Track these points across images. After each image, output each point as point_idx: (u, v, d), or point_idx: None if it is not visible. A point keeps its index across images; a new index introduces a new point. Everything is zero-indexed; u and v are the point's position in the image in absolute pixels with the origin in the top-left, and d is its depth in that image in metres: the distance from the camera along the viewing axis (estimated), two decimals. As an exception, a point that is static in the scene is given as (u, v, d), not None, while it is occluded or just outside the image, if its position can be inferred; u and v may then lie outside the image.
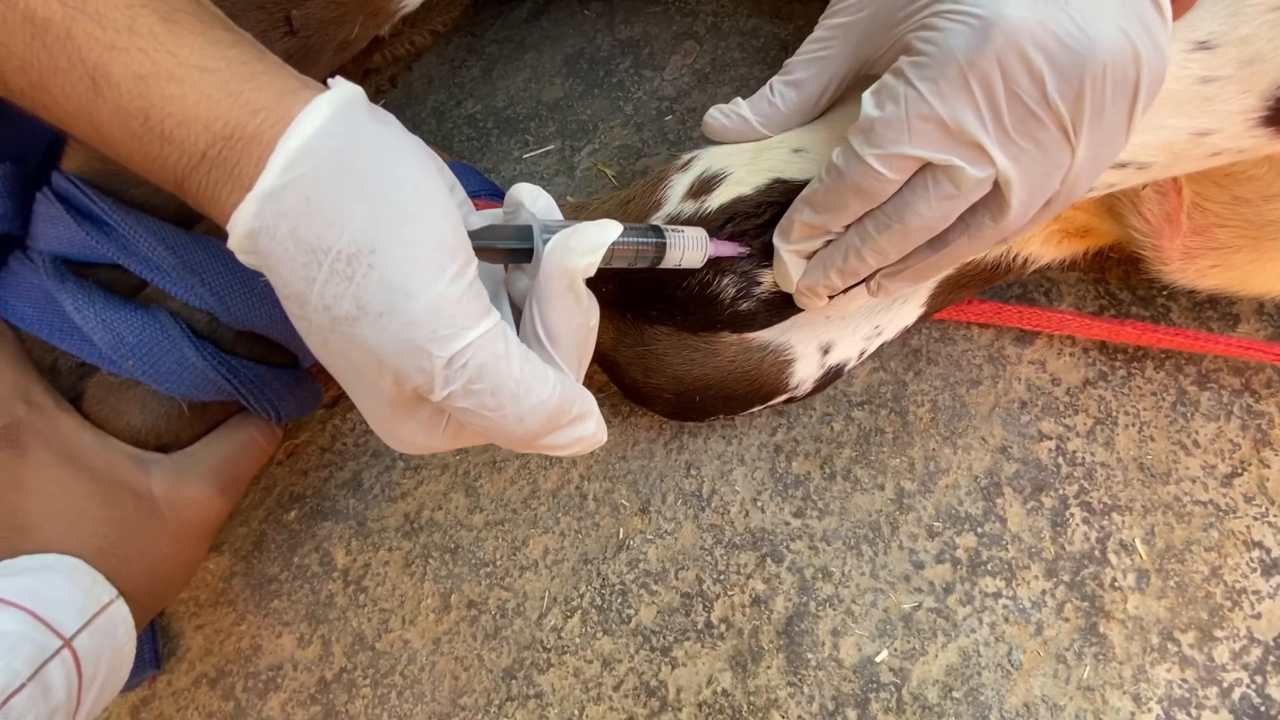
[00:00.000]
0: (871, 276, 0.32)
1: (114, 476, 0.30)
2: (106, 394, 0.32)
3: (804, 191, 0.30)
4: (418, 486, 0.44)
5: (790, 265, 0.31)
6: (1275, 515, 0.41)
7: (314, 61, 0.37)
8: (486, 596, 0.42)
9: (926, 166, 0.27)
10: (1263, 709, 0.38)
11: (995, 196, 0.27)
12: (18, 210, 0.31)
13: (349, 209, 0.22)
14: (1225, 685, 0.38)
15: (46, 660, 0.26)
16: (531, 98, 0.53)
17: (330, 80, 0.25)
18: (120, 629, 0.29)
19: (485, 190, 0.44)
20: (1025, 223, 0.28)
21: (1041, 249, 0.42)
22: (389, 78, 0.54)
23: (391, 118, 0.26)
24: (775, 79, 0.33)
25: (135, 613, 0.30)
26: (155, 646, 0.41)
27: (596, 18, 0.54)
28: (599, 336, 0.39)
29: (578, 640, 0.40)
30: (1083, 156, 0.26)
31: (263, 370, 0.33)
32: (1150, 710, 0.38)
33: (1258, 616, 0.39)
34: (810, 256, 0.32)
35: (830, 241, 0.31)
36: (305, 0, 0.35)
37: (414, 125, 0.52)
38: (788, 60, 0.33)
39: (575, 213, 0.37)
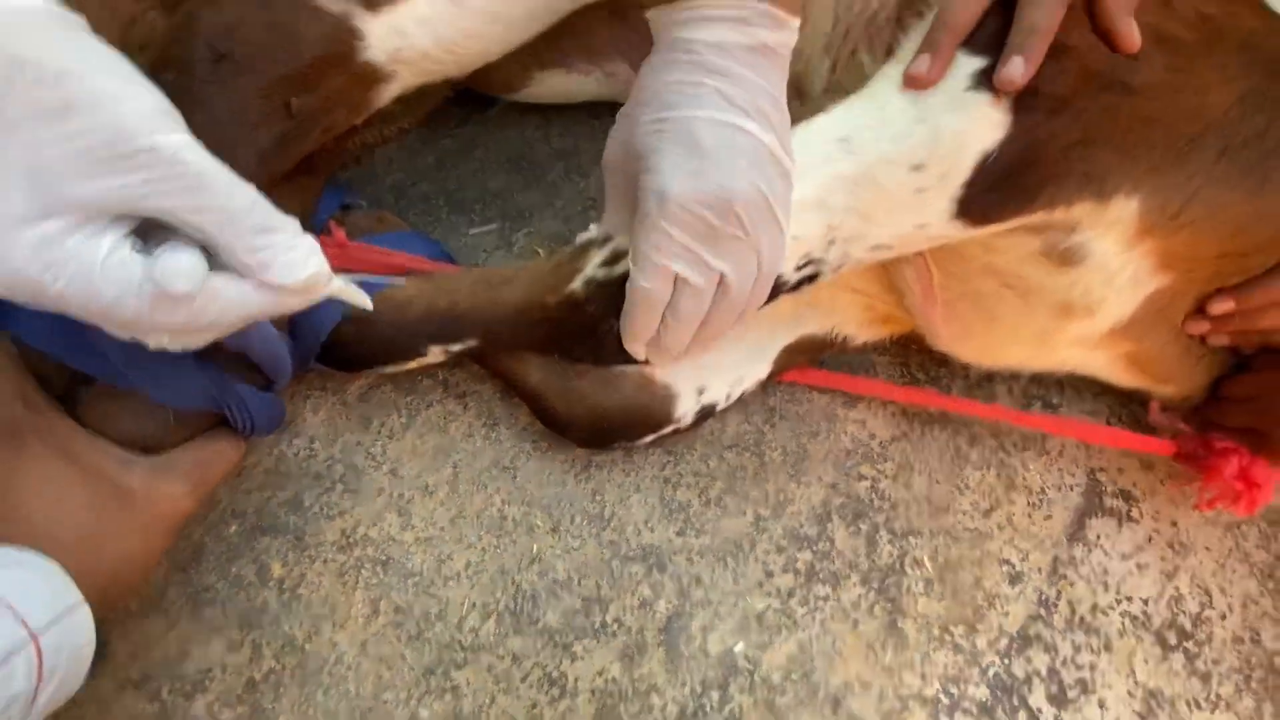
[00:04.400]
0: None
1: (101, 471, 0.31)
2: (103, 402, 0.33)
3: (625, 305, 0.37)
4: (355, 506, 0.47)
5: (639, 354, 0.39)
6: (1019, 540, 0.52)
7: (303, 139, 0.42)
8: (412, 603, 0.45)
9: (679, 279, 0.35)
10: (1009, 683, 0.48)
11: (725, 284, 0.36)
12: None
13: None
14: (984, 665, 0.48)
15: (14, 651, 0.27)
16: (478, 185, 0.59)
17: None
18: (83, 632, 0.29)
19: (437, 254, 0.49)
20: (750, 295, 0.36)
21: (857, 330, 0.52)
22: (356, 157, 0.59)
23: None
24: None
25: (95, 611, 0.31)
26: None
27: (536, 128, 0.63)
28: (527, 372, 0.45)
29: (492, 639, 0.44)
30: (764, 250, 0.35)
31: (248, 389, 0.36)
32: (932, 685, 0.46)
33: (1006, 614, 0.50)
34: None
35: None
36: (302, 91, 0.40)
37: (375, 198, 0.57)
38: None
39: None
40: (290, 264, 0.27)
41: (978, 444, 0.55)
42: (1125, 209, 0.40)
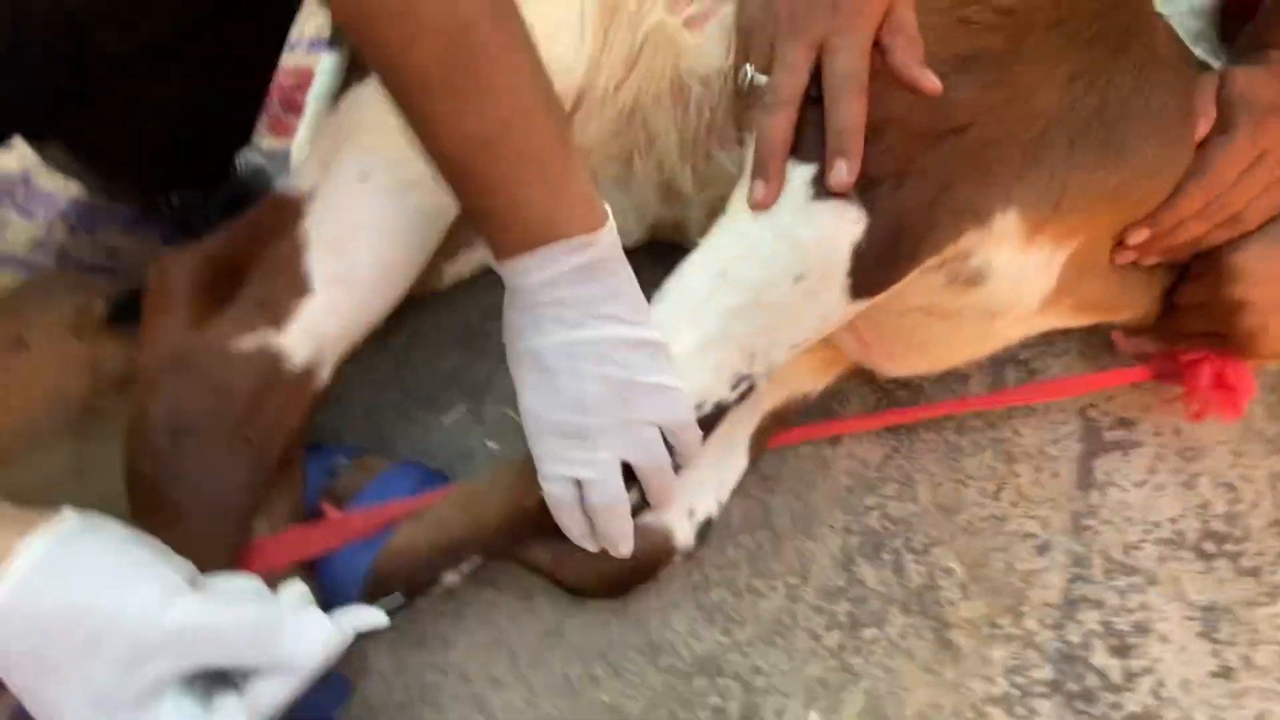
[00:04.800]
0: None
1: None
2: None
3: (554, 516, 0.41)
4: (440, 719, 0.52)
5: (585, 542, 0.42)
6: (1034, 509, 0.54)
7: (271, 453, 0.44)
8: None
9: (580, 479, 0.39)
10: (1068, 652, 0.50)
11: (633, 464, 0.39)
12: None
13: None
14: (1040, 644, 0.50)
15: None
16: (434, 372, 0.63)
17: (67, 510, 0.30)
18: None
19: (422, 479, 0.53)
20: (664, 460, 0.39)
21: (813, 383, 0.55)
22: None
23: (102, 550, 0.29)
24: None
25: None
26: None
27: (465, 295, 0.65)
28: (535, 556, 0.49)
29: (600, 791, 0.49)
30: (654, 414, 0.38)
31: (313, 698, 0.41)
32: (998, 683, 0.49)
33: (1045, 587, 0.52)
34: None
35: None
36: (254, 421, 0.44)
37: (349, 429, 0.61)
38: None
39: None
40: (309, 652, 0.31)
41: (967, 431, 0.57)
42: (1007, 222, 0.41)
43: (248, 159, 0.69)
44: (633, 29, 0.50)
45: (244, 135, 0.63)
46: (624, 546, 0.41)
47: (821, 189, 0.38)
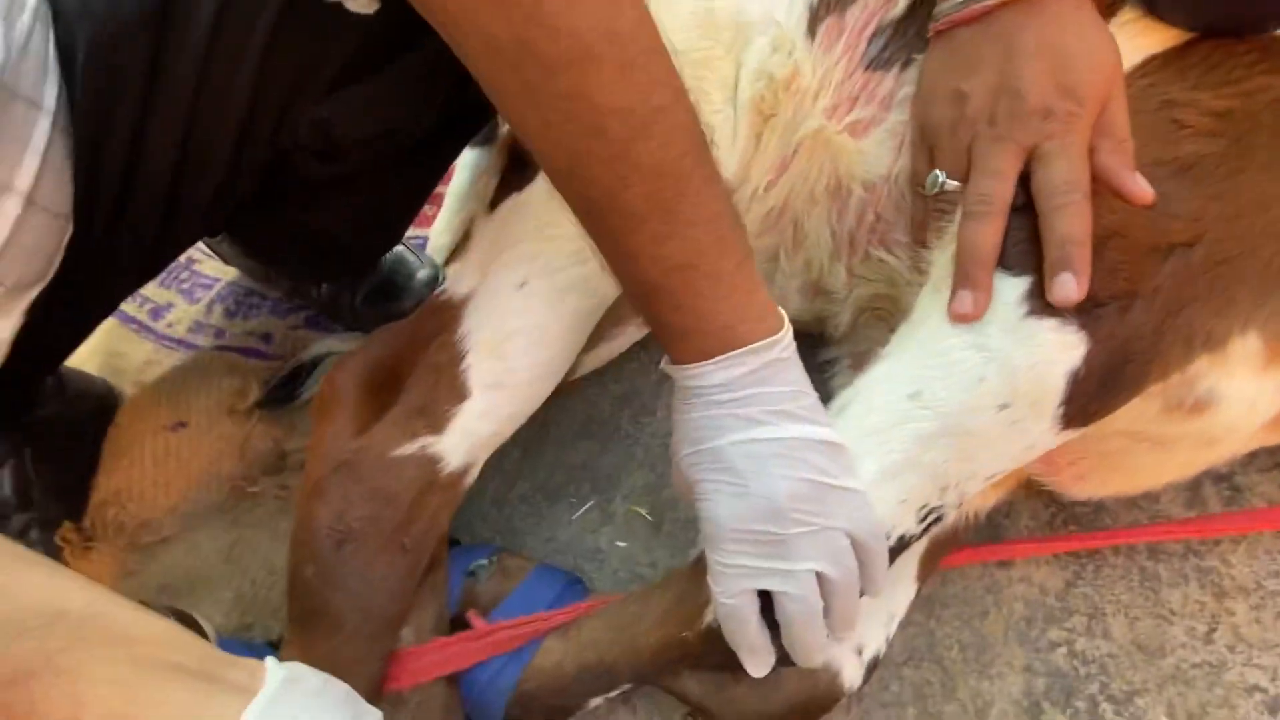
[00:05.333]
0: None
1: None
2: None
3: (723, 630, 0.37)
4: None
5: (756, 668, 0.38)
6: (1258, 656, 0.47)
7: (421, 557, 0.44)
8: None
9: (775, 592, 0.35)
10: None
11: (824, 577, 0.35)
12: None
13: None
14: (1287, 833, 0.42)
15: None
16: (563, 464, 0.62)
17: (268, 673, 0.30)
18: None
19: (565, 587, 0.51)
20: (865, 568, 0.36)
21: (983, 502, 0.50)
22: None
23: (316, 699, 0.31)
24: None
25: None
26: None
27: (593, 385, 0.65)
28: (686, 688, 0.45)
29: None
30: (845, 523, 0.35)
31: None
32: None
33: (1284, 757, 0.44)
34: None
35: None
36: (410, 528, 0.44)
37: (480, 518, 0.61)
38: None
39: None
40: None
41: (1162, 555, 0.50)
42: (1246, 346, 0.37)
43: (392, 251, 0.72)
44: (787, 133, 0.49)
45: (398, 238, 0.66)
46: (819, 658, 0.37)
47: (1037, 305, 0.35)
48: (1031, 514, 0.53)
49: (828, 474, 0.35)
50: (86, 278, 0.44)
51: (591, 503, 0.59)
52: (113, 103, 0.39)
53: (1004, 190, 0.36)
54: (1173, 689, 0.46)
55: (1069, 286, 0.34)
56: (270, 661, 0.32)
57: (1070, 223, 0.35)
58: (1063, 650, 0.48)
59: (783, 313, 0.38)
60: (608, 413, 0.63)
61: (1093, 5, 0.39)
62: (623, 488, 0.60)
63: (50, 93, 0.38)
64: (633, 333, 0.61)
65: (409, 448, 0.43)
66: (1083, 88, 0.37)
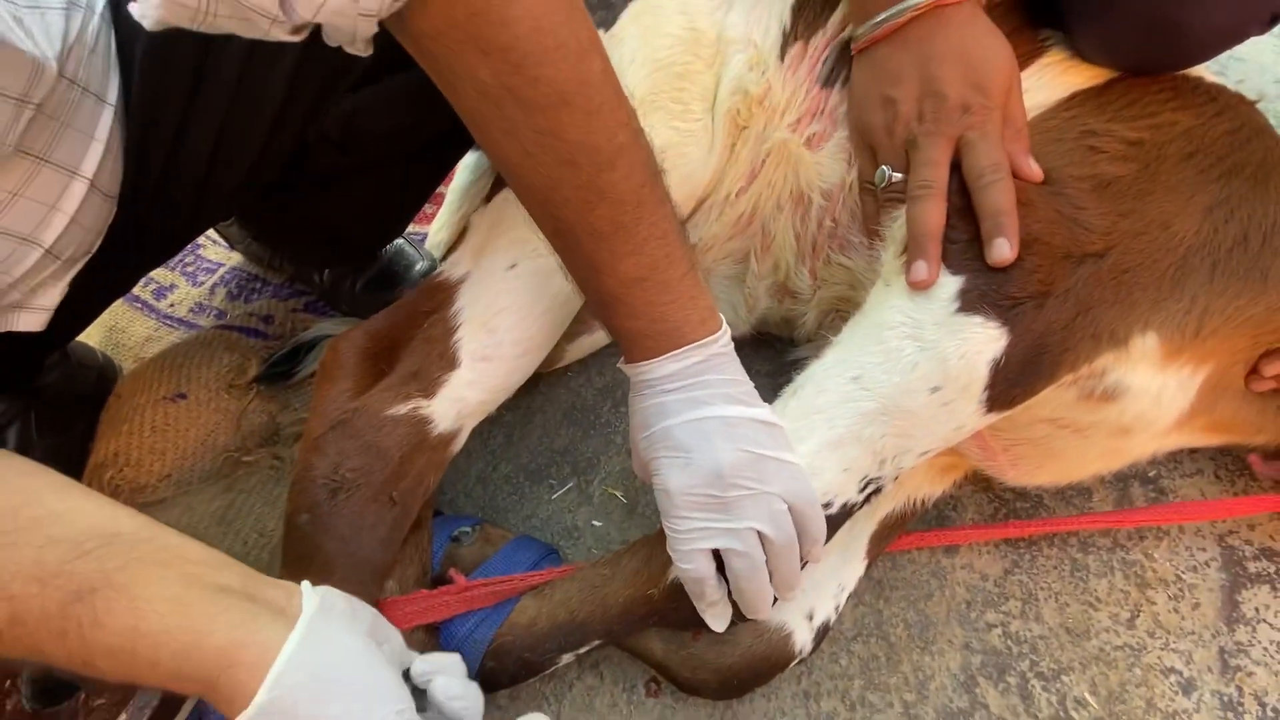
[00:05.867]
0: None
1: None
2: None
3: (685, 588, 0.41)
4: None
5: (715, 622, 0.42)
6: (1175, 641, 0.51)
7: (410, 511, 0.48)
8: None
9: (720, 550, 0.39)
10: (1228, 812, 0.45)
11: (764, 536, 0.39)
12: None
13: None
14: (1193, 800, 0.46)
15: None
16: (545, 448, 0.65)
17: (303, 596, 0.34)
18: None
19: (543, 554, 0.54)
20: (802, 530, 0.40)
21: (930, 488, 0.54)
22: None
23: (347, 622, 0.34)
24: None
25: None
26: None
27: (577, 375, 0.69)
28: (650, 647, 0.49)
29: None
30: (780, 489, 0.39)
31: None
32: (1148, 841, 0.45)
33: (1194, 732, 0.48)
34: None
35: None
36: (399, 481, 0.47)
37: (465, 494, 0.64)
38: None
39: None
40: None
41: (1092, 548, 0.55)
42: (1145, 344, 0.41)
43: (393, 243, 0.76)
44: (757, 144, 0.55)
45: (400, 230, 0.71)
46: (765, 610, 0.41)
47: (966, 303, 0.40)
48: (977, 508, 0.57)
49: (765, 447, 0.40)
50: (116, 256, 0.48)
51: (571, 484, 0.63)
52: (163, 98, 0.43)
53: (940, 175, 0.42)
54: (1096, 669, 0.50)
55: (1004, 249, 0.39)
56: (305, 585, 0.35)
57: (998, 197, 0.40)
58: (998, 631, 0.52)
59: (721, 317, 0.43)
60: (590, 402, 0.67)
61: (984, 15, 0.45)
62: (601, 471, 0.63)
63: (112, 88, 0.42)
64: (615, 328, 0.66)
65: (402, 408, 0.46)
66: (990, 84, 0.43)
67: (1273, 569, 0.52)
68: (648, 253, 0.39)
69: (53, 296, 0.44)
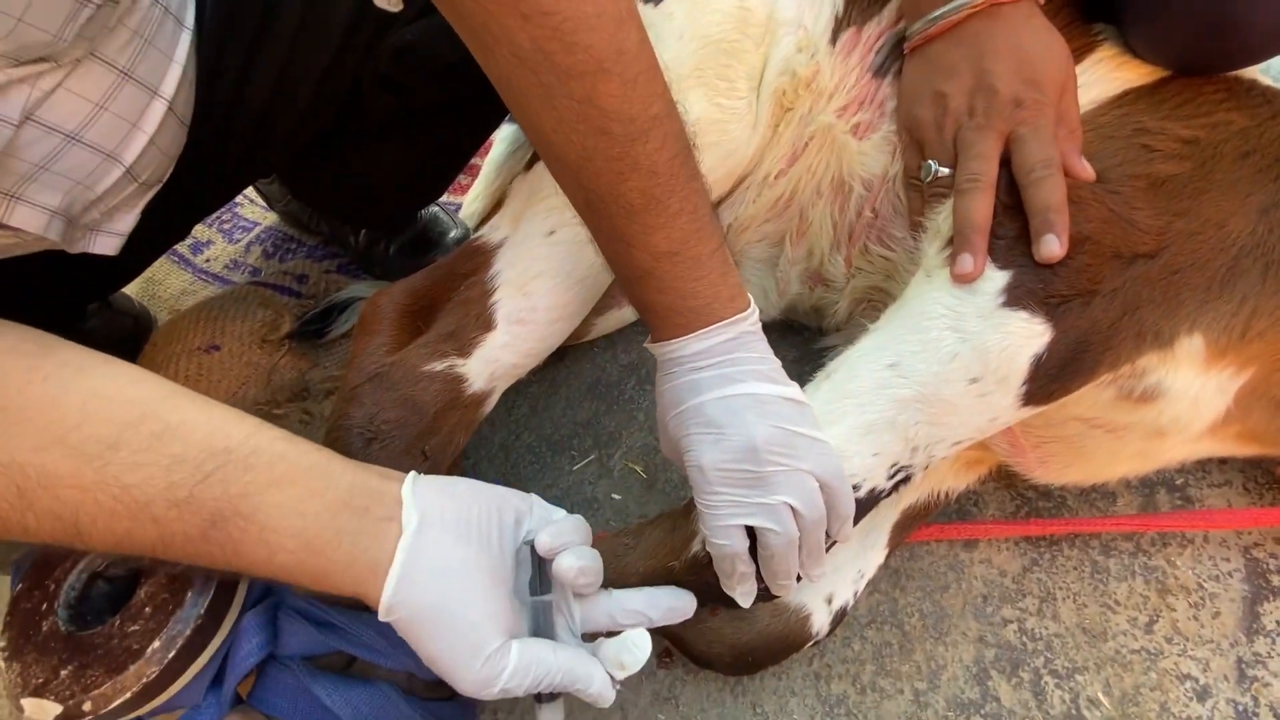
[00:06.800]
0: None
1: None
2: None
3: (715, 564, 0.41)
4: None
5: (743, 599, 0.42)
6: (1193, 649, 0.51)
7: (439, 469, 0.50)
8: None
9: (754, 527, 0.39)
10: (1236, 820, 0.45)
11: (796, 511, 0.39)
12: (271, 635, 0.42)
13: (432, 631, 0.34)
14: (1202, 805, 0.46)
15: None
16: (569, 420, 0.66)
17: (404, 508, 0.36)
18: None
19: None
20: (831, 509, 0.40)
21: (955, 481, 0.54)
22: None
23: (451, 531, 0.36)
24: None
25: None
26: None
27: (604, 351, 0.70)
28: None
29: None
30: (812, 466, 0.39)
31: (445, 705, 0.43)
32: (1154, 842, 0.45)
33: (1206, 739, 0.48)
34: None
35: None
36: (431, 436, 0.49)
37: (488, 460, 0.65)
38: None
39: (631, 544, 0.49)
40: (637, 659, 0.38)
41: (1113, 552, 0.55)
42: (1190, 345, 0.41)
43: (429, 209, 0.77)
44: (801, 127, 0.55)
45: (436, 194, 0.72)
46: (790, 589, 0.41)
47: (1012, 298, 0.40)
48: (998, 505, 0.57)
49: (796, 424, 0.40)
50: (178, 195, 0.49)
51: (592, 457, 0.64)
52: (232, 31, 0.44)
53: (990, 169, 0.42)
54: (1111, 670, 0.50)
55: (1053, 245, 0.39)
56: (406, 489, 0.36)
57: (1049, 193, 0.40)
58: (1014, 627, 0.52)
59: (750, 298, 0.42)
60: (614, 378, 0.68)
61: (1041, 12, 0.45)
62: (622, 446, 0.64)
63: (190, 14, 0.43)
64: (645, 305, 0.66)
65: (438, 365, 0.47)
66: (1044, 80, 0.42)
67: (1297, 584, 0.52)
68: (679, 227, 0.39)
69: (127, 222, 0.45)
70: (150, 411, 0.33)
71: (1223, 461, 0.57)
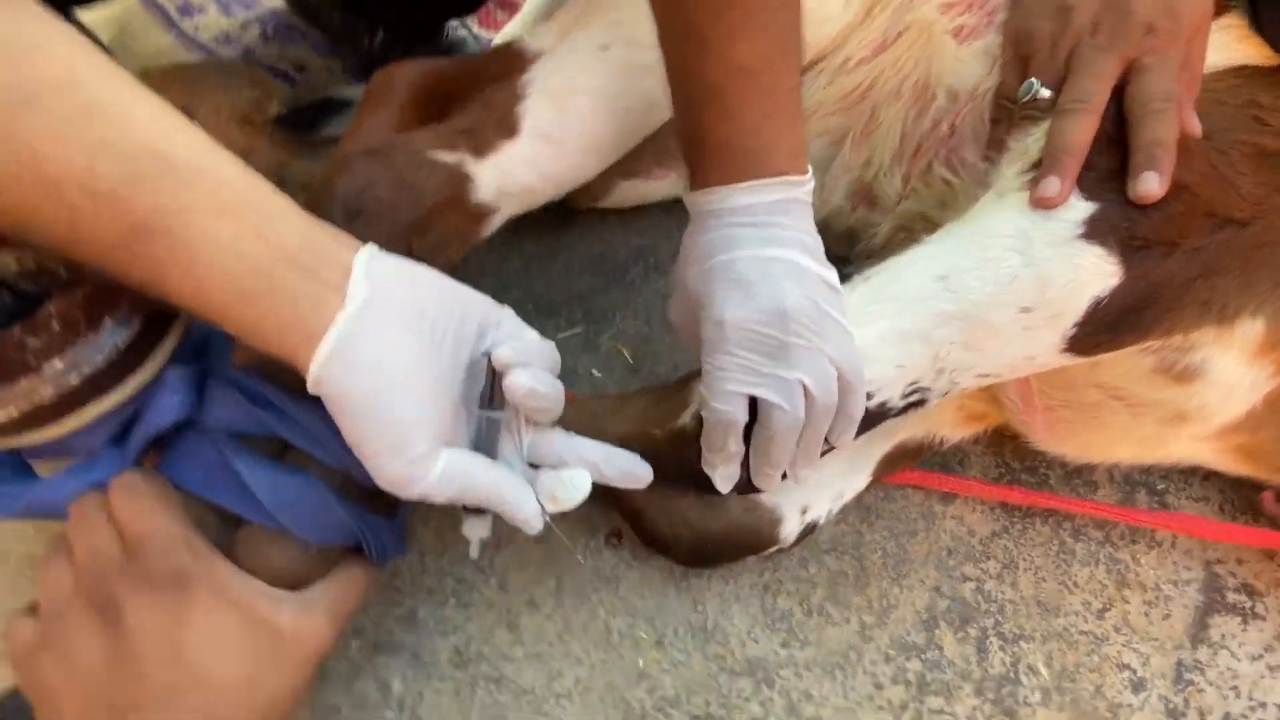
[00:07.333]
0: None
1: (256, 613, 0.33)
2: (254, 543, 0.36)
3: (703, 432, 0.38)
4: (466, 622, 0.48)
5: (722, 482, 0.39)
6: (1138, 643, 0.51)
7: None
8: (525, 721, 0.46)
9: (763, 401, 0.35)
10: (1140, 804, 0.46)
11: (809, 394, 0.35)
12: (196, 399, 0.37)
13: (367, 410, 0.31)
14: (1111, 785, 0.46)
15: None
16: (564, 287, 0.61)
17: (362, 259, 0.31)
18: None
19: None
20: (839, 405, 0.36)
21: (952, 430, 0.52)
22: (453, 266, 0.62)
23: (400, 314, 0.32)
24: None
25: None
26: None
27: (615, 229, 0.65)
28: (634, 495, 0.46)
29: (605, 760, 0.45)
30: (834, 353, 0.35)
31: (379, 519, 0.38)
32: (1059, 809, 0.45)
33: (1130, 726, 0.48)
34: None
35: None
36: (422, 234, 0.43)
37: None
38: None
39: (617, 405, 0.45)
40: (571, 498, 0.35)
41: (1082, 538, 0.54)
42: (1250, 329, 0.39)
43: (455, 30, 0.69)
44: (898, 15, 0.50)
45: (469, 7, 0.64)
46: (774, 481, 0.38)
47: (1091, 231, 0.36)
48: (982, 469, 0.56)
49: (829, 304, 0.36)
50: None
51: (580, 329, 0.59)
52: None
53: (1102, 91, 0.38)
54: (1056, 644, 0.49)
55: (1152, 183, 0.36)
56: (359, 260, 0.31)
57: (1163, 128, 0.36)
58: (971, 585, 0.51)
59: (809, 167, 0.38)
60: (621, 258, 0.63)
61: None
62: (614, 327, 0.60)
63: None
64: (668, 187, 0.61)
65: (448, 156, 0.42)
66: (1184, 10, 0.39)
67: (1249, 604, 0.52)
68: (764, 41, 0.34)
69: None
70: (83, 79, 0.27)
71: (1205, 477, 0.56)
